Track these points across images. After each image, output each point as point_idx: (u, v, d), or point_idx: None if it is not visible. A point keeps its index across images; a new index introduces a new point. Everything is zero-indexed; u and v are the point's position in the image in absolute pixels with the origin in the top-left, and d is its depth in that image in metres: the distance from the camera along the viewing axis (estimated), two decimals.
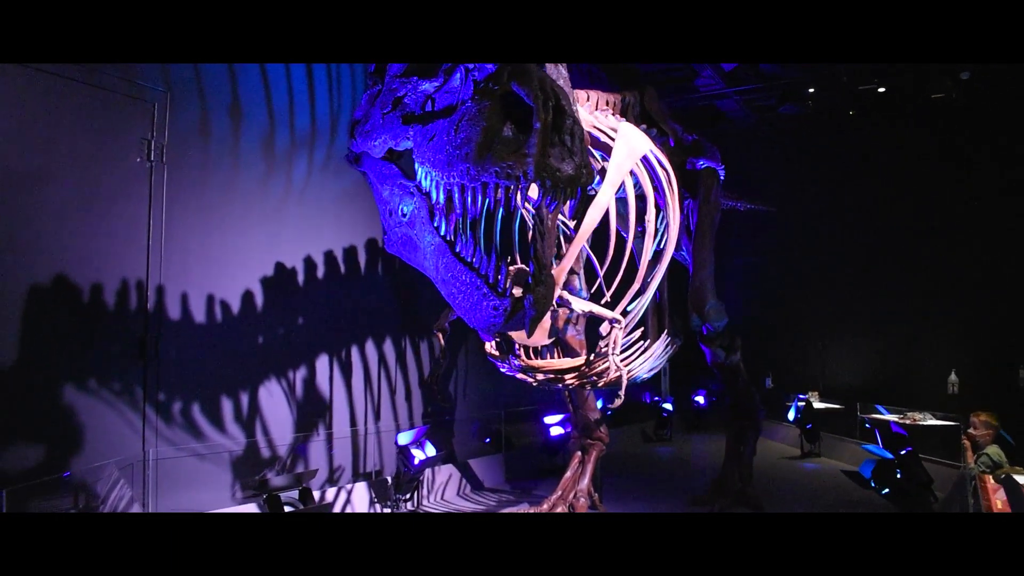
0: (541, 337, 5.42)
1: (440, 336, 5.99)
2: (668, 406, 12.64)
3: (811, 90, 11.38)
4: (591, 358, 5.54)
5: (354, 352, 7.59)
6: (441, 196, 2.99)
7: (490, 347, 5.77)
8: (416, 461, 7.03)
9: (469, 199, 2.79)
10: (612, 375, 5.30)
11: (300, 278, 7.10)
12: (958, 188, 11.75)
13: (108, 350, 5.63)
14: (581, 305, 5.30)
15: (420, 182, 3.52)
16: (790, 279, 13.60)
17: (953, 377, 11.60)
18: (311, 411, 7.14)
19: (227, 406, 6.39)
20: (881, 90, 11.02)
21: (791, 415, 11.08)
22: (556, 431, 9.36)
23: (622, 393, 5.27)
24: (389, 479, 7.47)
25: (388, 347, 7.99)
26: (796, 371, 13.12)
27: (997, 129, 11.31)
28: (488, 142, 2.68)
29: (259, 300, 6.69)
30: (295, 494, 6.11)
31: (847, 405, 11.58)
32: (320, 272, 7.31)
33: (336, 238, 7.52)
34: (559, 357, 5.77)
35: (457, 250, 3.18)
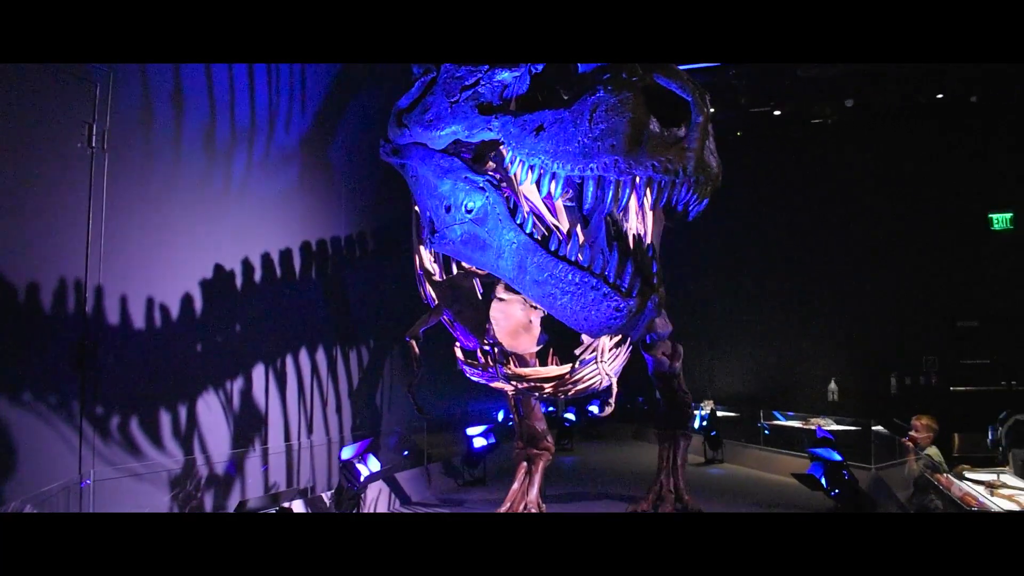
0: (531, 344, 5.30)
1: (414, 344, 5.71)
2: (571, 416, 12.75)
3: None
4: (576, 366, 5.46)
5: (288, 361, 7.12)
6: (556, 189, 2.82)
7: (462, 354, 5.58)
8: (361, 477, 6.68)
9: (612, 193, 2.64)
10: (603, 383, 5.24)
11: (238, 281, 6.59)
12: (837, 207, 12.65)
13: (41, 358, 4.97)
14: None
15: (492, 177, 3.34)
16: (678, 291, 14.11)
17: (833, 385, 12.44)
18: (246, 424, 6.63)
19: (166, 420, 5.80)
20: (776, 113, 11.68)
21: (695, 423, 11.43)
22: (479, 442, 9.20)
23: (612, 401, 5.23)
24: (326, 496, 7.04)
25: (321, 356, 7.56)
26: (688, 381, 13.59)
27: (874, 152, 12.29)
28: (638, 134, 2.56)
29: (198, 304, 6.14)
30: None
31: (741, 413, 12.14)
32: (257, 276, 6.81)
33: (273, 240, 7.04)
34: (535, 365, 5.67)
35: (554, 248, 3.02)
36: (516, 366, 5.41)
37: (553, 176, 2.83)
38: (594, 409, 13.80)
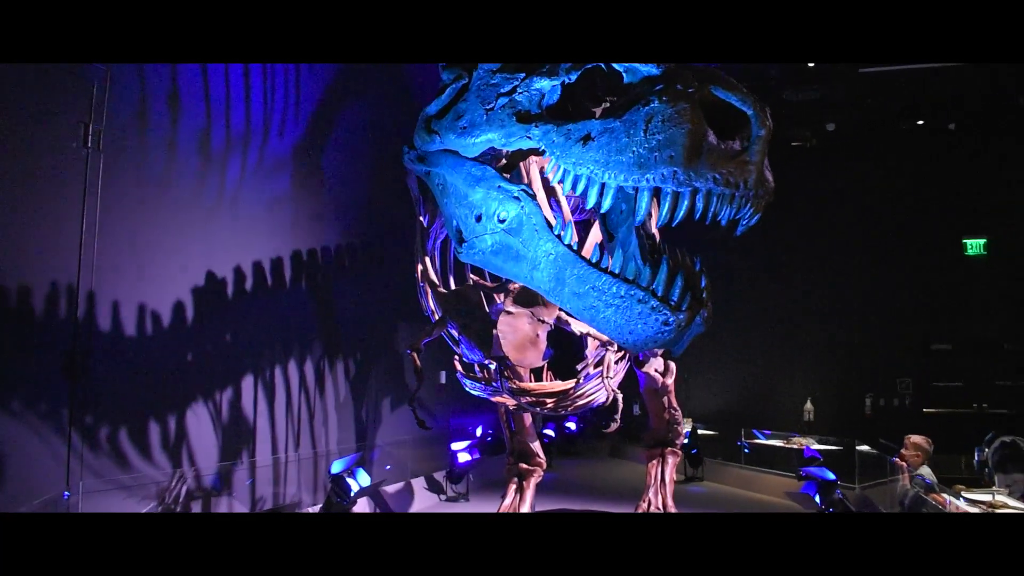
0: (537, 358, 5.23)
1: (415, 356, 5.60)
2: (550, 432, 12.68)
3: None
4: (580, 381, 5.41)
5: (277, 372, 6.96)
6: (607, 200, 2.76)
7: (462, 368, 5.51)
8: (352, 492, 6.54)
9: (668, 205, 2.60)
10: (608, 399, 5.20)
11: (230, 290, 6.43)
12: (815, 230, 12.82)
13: (30, 364, 4.78)
14: (580, 326, 5.18)
15: (527, 186, 3.28)
16: None
17: (809, 405, 12.53)
18: (235, 436, 6.45)
19: (155, 430, 5.62)
20: None
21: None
22: (463, 457, 9.08)
23: (618, 417, 5.20)
24: (314, 512, 6.89)
25: (309, 367, 7.41)
26: None
27: (853, 176, 12.48)
28: (697, 146, 2.52)
29: (189, 312, 5.98)
30: None
31: (718, 431, 12.17)
32: (248, 284, 6.66)
33: (265, 248, 6.89)
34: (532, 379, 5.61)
35: (594, 260, 2.97)
36: (515, 380, 5.35)
37: (602, 187, 2.78)
38: (571, 426, 13.74)
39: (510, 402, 5.42)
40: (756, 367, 13.42)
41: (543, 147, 3.04)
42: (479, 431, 11.25)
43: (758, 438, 10.82)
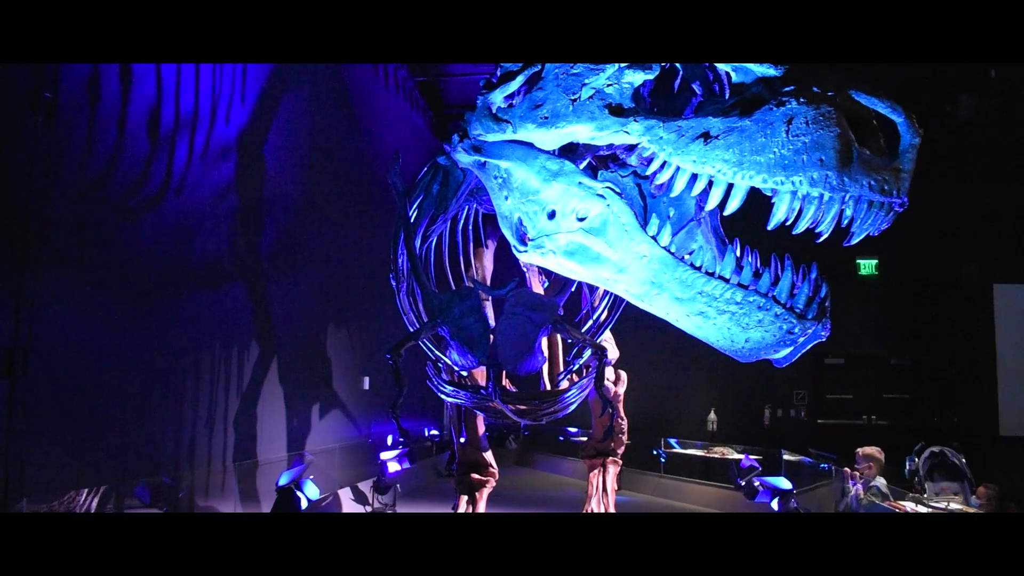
0: (533, 364, 5.05)
1: (396, 362, 5.27)
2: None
3: None
4: (567, 388, 5.29)
5: (221, 370, 6.43)
6: (738, 202, 2.64)
7: (445, 373, 5.27)
8: (303, 505, 6.13)
9: (811, 211, 2.50)
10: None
11: (175, 282, 5.87)
12: None
13: None
14: (577, 333, 5.05)
15: (613, 183, 3.12)
16: None
17: (712, 415, 12.89)
18: (175, 443, 5.90)
19: (97, 434, 5.03)
20: None
21: None
22: (393, 467, 8.72)
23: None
24: None
25: (248, 370, 6.90)
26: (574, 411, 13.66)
27: (752, 198, 12.96)
28: (848, 151, 2.45)
29: (132, 305, 5.39)
30: None
31: (629, 441, 12.30)
32: (195, 276, 6.11)
33: (210, 239, 6.35)
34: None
35: (699, 263, 2.85)
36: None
37: (730, 187, 2.66)
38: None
39: (503, 409, 5.20)
40: (662, 379, 13.68)
41: (646, 143, 2.88)
42: (389, 440, 10.88)
43: (674, 447, 11.02)
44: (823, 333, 2.74)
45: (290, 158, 7.66)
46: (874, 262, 12.74)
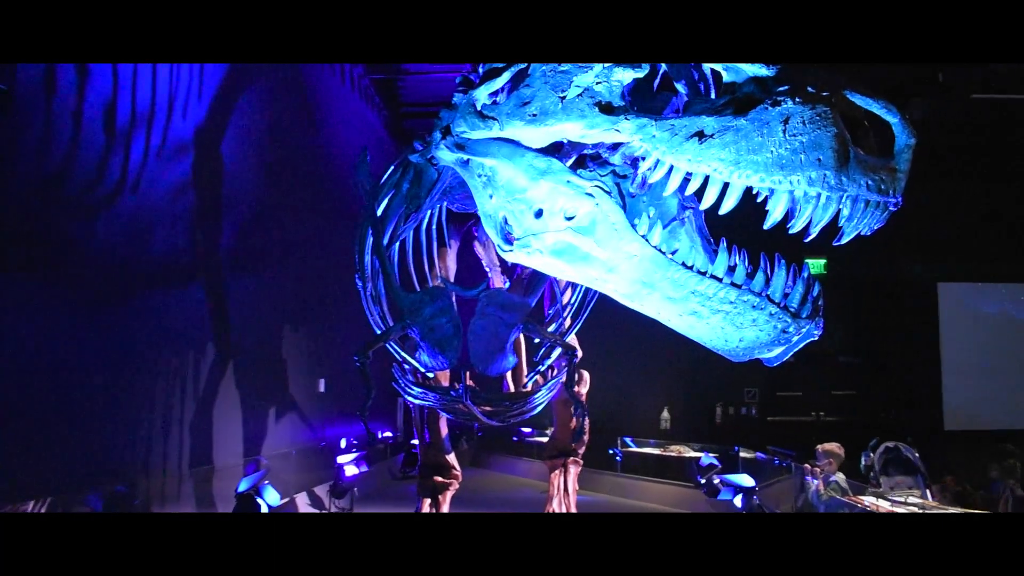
0: (505, 365, 4.99)
1: (364, 366, 5.15)
2: (427, 442, 12.28)
3: None
4: (537, 389, 5.27)
5: (176, 373, 6.23)
6: (733, 200, 2.63)
7: (412, 376, 5.19)
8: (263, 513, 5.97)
9: (808, 210, 2.50)
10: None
11: (129, 282, 5.66)
12: None
13: None
14: (547, 333, 5.02)
15: (603, 182, 3.09)
16: None
17: (665, 413, 13.03)
18: (128, 447, 5.69)
19: (45, 441, 4.82)
20: None
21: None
22: (351, 471, 8.57)
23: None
24: None
25: (204, 372, 6.70)
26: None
27: None
28: (846, 151, 2.45)
29: (84, 305, 5.18)
30: None
31: (589, 440, 12.33)
32: (150, 277, 5.91)
33: (167, 238, 6.14)
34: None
35: (690, 263, 2.84)
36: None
37: (726, 186, 2.64)
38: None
39: (473, 411, 5.13)
40: (614, 376, 13.75)
41: (638, 141, 2.85)
42: (343, 443, 10.71)
43: (630, 446, 11.07)
44: (816, 332, 2.75)
45: (247, 155, 7.48)
46: (823, 262, 13.00)
